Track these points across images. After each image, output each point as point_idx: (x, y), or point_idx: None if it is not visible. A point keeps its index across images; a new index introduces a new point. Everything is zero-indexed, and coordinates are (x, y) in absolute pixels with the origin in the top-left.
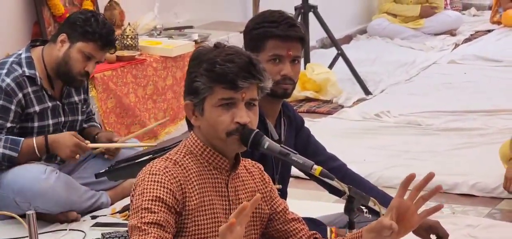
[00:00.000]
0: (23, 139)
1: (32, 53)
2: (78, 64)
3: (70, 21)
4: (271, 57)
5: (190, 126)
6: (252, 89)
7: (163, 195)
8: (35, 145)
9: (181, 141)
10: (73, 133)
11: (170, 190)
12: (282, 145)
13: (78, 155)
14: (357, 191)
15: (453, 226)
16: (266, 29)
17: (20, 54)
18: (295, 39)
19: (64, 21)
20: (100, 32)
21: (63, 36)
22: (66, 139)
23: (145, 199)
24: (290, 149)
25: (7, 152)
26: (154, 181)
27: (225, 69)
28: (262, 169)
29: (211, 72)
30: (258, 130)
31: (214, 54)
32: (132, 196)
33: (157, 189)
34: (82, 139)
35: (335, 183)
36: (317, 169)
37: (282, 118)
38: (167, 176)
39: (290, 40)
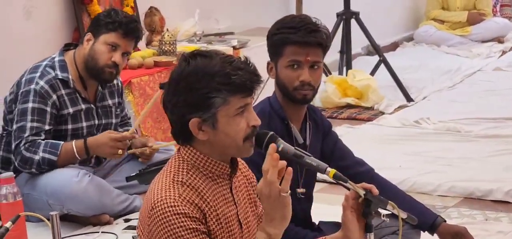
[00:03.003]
0: (62, 142)
1: (65, 57)
2: (104, 56)
3: (94, 20)
4: (290, 63)
5: (185, 141)
6: None
7: (194, 225)
8: (74, 149)
9: (172, 156)
10: (108, 131)
11: (197, 218)
12: (296, 148)
13: (120, 150)
14: (374, 195)
15: (485, 232)
16: (285, 35)
17: (54, 58)
18: (314, 45)
19: (90, 22)
20: (121, 20)
21: (88, 35)
22: (103, 136)
23: (182, 234)
24: (304, 152)
25: (47, 155)
26: (179, 214)
27: (241, 78)
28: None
29: (228, 85)
30: (272, 132)
31: (218, 65)
32: (150, 228)
33: (186, 221)
34: (117, 132)
35: (350, 186)
36: (331, 172)
37: (307, 123)
38: (187, 205)
39: (309, 46)
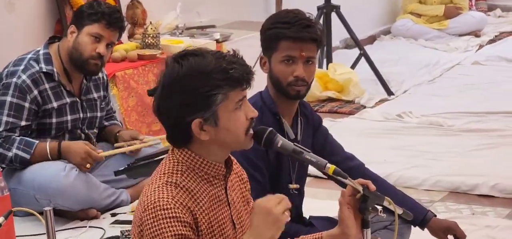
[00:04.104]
0: (37, 141)
1: (49, 50)
2: (88, 47)
3: (77, 12)
4: (284, 58)
5: (182, 144)
6: None
7: (184, 231)
8: (48, 150)
9: (165, 157)
10: (86, 142)
11: (187, 222)
12: (295, 144)
13: (88, 164)
14: (371, 191)
15: (472, 227)
16: (279, 30)
17: (38, 51)
18: (309, 40)
19: (72, 15)
20: (103, 11)
21: (72, 28)
22: (78, 146)
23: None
24: (303, 148)
25: (20, 153)
26: (169, 218)
27: (238, 71)
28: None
29: (227, 80)
30: (271, 128)
31: (212, 62)
32: (141, 229)
33: (176, 226)
34: (94, 148)
35: (348, 182)
36: (330, 168)
37: (299, 118)
38: (179, 208)
39: (303, 41)
